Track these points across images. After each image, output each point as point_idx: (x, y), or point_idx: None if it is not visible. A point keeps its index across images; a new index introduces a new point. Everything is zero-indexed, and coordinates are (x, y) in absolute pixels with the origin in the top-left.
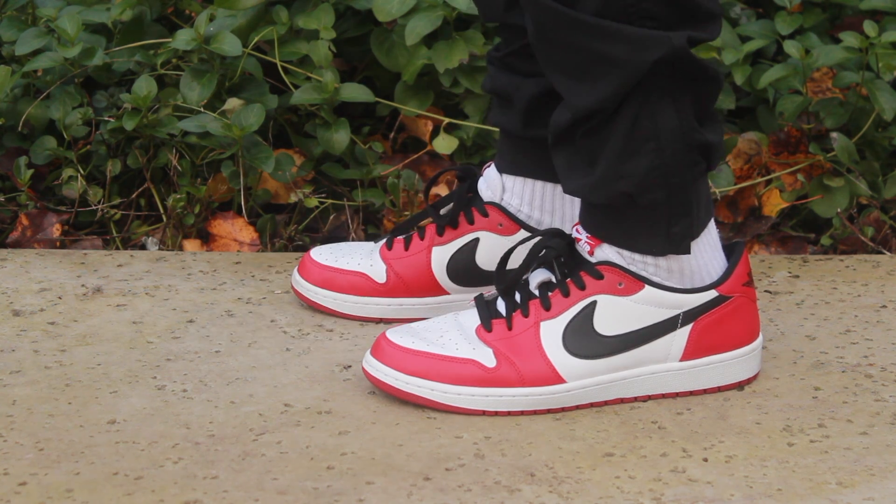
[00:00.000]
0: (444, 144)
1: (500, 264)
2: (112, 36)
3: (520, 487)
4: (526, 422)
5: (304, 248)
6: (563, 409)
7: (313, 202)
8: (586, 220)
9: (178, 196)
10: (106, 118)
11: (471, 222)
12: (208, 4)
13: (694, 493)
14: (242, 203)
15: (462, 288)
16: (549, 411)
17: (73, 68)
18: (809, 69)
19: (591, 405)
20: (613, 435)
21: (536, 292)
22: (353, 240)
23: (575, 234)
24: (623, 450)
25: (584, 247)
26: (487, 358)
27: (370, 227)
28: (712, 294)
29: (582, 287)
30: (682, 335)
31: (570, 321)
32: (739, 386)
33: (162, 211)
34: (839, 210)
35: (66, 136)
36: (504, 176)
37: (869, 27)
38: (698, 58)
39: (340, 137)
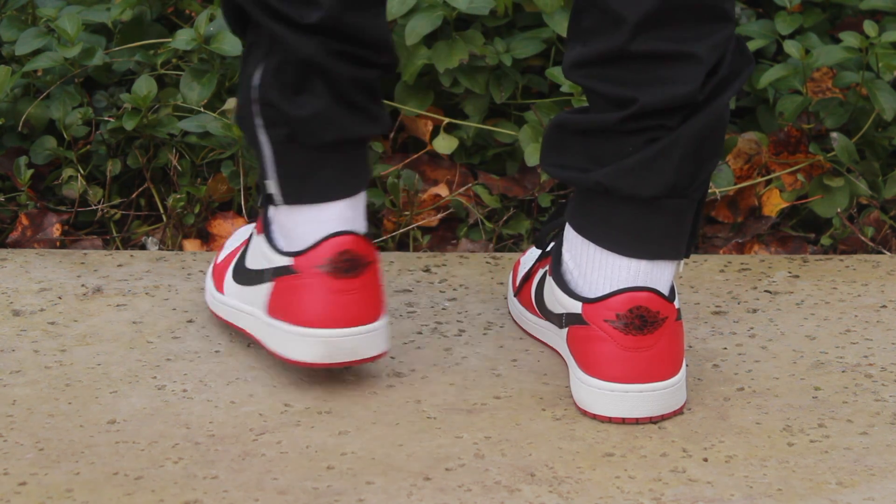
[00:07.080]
0: (444, 144)
1: None
2: (112, 36)
3: (520, 487)
4: (526, 422)
5: None
6: (227, 322)
7: None
8: None
9: (178, 196)
10: (106, 118)
11: None
12: (208, 4)
13: (694, 493)
14: (242, 203)
15: None
16: (218, 318)
17: (73, 68)
18: (809, 69)
19: (233, 326)
20: (613, 435)
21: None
22: None
23: None
24: (623, 450)
25: None
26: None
27: (370, 228)
28: (286, 261)
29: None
30: (265, 289)
31: (246, 248)
32: (304, 367)
33: (162, 211)
34: (839, 210)
35: (66, 136)
36: None
37: (869, 27)
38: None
39: None
